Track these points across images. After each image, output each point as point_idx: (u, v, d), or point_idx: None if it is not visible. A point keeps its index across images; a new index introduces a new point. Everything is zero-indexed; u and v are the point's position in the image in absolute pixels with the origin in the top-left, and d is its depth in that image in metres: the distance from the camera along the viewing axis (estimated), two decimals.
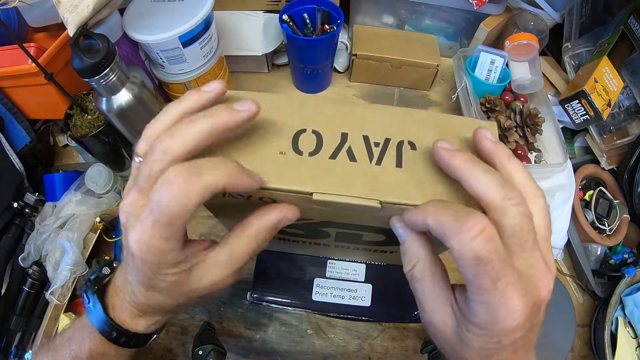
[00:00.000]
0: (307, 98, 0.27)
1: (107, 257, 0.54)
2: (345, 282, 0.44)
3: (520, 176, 0.22)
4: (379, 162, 0.24)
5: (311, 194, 0.23)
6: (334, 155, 0.24)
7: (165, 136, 0.21)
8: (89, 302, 0.27)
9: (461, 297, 0.22)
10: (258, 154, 0.24)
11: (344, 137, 0.24)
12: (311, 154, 0.24)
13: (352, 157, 0.24)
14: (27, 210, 0.54)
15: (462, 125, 0.25)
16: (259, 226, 0.24)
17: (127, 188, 0.23)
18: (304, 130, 0.25)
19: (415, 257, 0.23)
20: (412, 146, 0.24)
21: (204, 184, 0.19)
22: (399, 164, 0.24)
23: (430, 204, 0.21)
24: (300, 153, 0.24)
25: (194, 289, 0.24)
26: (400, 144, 0.24)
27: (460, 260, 0.19)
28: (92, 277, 0.28)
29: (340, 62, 0.69)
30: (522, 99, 0.60)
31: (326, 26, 0.59)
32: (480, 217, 0.19)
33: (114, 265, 0.29)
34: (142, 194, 0.21)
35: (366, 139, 0.24)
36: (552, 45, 0.66)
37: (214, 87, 0.23)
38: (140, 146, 0.22)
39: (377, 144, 0.24)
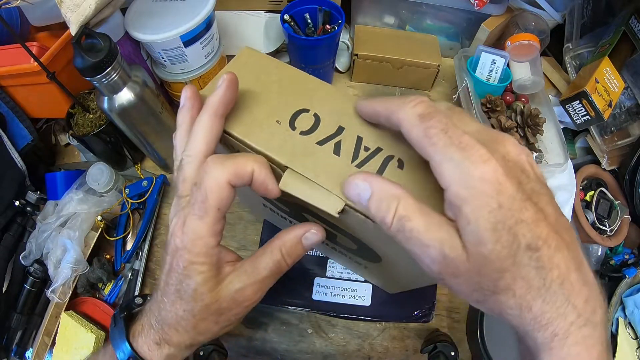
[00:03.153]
0: (325, 85, 0.27)
1: (107, 256, 0.55)
2: (345, 281, 0.44)
3: None
4: (359, 166, 0.23)
5: (286, 167, 0.23)
6: (321, 143, 0.24)
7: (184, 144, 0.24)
8: (114, 325, 0.28)
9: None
10: (257, 115, 0.25)
11: (340, 130, 0.25)
12: (302, 133, 0.25)
13: (337, 150, 0.24)
14: (28, 208, 0.54)
15: None
16: (284, 238, 0.26)
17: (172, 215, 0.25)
18: (307, 110, 0.25)
19: (394, 198, 0.20)
20: (400, 164, 0.23)
21: (234, 170, 0.22)
22: (379, 174, 0.23)
23: (378, 97, 0.23)
24: (293, 128, 0.25)
25: (222, 297, 0.25)
26: (389, 158, 0.24)
27: (408, 128, 0.20)
28: (124, 305, 0.30)
29: (341, 62, 0.69)
30: (523, 99, 0.60)
31: (327, 26, 0.59)
32: (419, 95, 0.21)
33: (148, 298, 0.30)
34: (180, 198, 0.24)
35: (359, 140, 0.24)
36: (553, 46, 0.66)
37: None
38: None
39: (367, 149, 0.24)
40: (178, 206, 0.24)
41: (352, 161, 0.23)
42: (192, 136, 0.24)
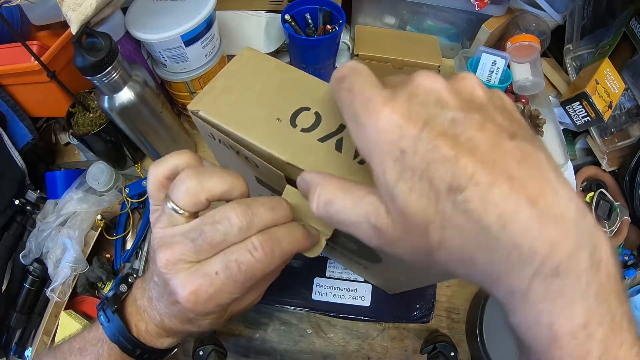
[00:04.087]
0: (325, 85, 0.26)
1: (107, 255, 0.55)
2: (345, 281, 0.44)
3: None
4: (362, 162, 0.23)
5: (287, 163, 0.23)
6: (323, 140, 0.24)
7: (245, 218, 0.21)
8: (108, 322, 0.26)
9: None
10: (258, 113, 0.25)
11: (341, 128, 0.25)
12: (304, 130, 0.25)
13: (339, 147, 0.24)
14: (28, 207, 0.54)
15: None
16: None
17: (167, 237, 0.22)
18: (308, 109, 0.25)
19: (315, 186, 0.19)
20: None
21: (283, 255, 0.22)
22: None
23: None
24: (294, 126, 0.25)
25: (227, 319, 0.26)
26: None
27: (331, 95, 0.20)
28: (109, 295, 0.28)
29: (342, 62, 0.69)
30: (523, 100, 0.60)
31: (328, 26, 0.59)
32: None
33: (129, 280, 0.29)
34: (201, 252, 0.22)
35: None
36: (554, 47, 0.66)
37: (284, 215, 0.23)
38: (186, 200, 0.22)
39: None
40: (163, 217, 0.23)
41: (355, 157, 0.23)
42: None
